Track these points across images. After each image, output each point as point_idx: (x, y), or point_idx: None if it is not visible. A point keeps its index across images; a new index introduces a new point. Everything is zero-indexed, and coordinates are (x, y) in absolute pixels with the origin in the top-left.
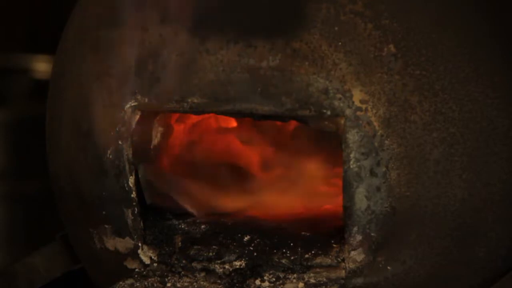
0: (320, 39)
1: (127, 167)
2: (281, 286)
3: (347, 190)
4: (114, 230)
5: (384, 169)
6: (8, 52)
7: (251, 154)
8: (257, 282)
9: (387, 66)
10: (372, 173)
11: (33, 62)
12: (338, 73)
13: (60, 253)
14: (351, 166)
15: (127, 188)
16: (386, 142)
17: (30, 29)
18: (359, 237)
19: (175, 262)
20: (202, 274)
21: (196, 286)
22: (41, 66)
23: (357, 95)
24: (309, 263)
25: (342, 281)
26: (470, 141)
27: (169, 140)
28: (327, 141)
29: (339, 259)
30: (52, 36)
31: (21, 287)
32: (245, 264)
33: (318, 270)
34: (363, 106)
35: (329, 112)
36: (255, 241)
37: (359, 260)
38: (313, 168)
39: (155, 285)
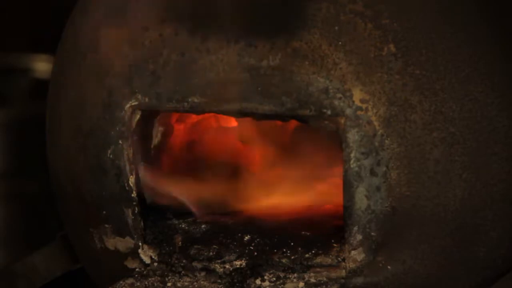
0: (320, 39)
1: (127, 166)
2: (282, 285)
3: (347, 190)
4: (114, 229)
5: (384, 168)
6: (8, 52)
7: (252, 154)
8: (258, 281)
9: (387, 65)
10: (372, 172)
11: (33, 62)
12: (338, 73)
13: (60, 253)
14: (351, 166)
15: (127, 188)
16: (386, 141)
17: (31, 28)
18: (359, 237)
19: (176, 261)
20: (203, 273)
21: (196, 285)
22: (41, 66)
23: (357, 95)
24: (309, 263)
25: (343, 281)
26: (470, 141)
27: (169, 140)
28: (327, 140)
29: (339, 258)
30: (52, 36)
31: (21, 287)
32: (246, 263)
33: (318, 269)
34: (364, 106)
35: (329, 112)
36: (255, 241)
37: (359, 260)
38: (313, 167)
39: (155, 284)
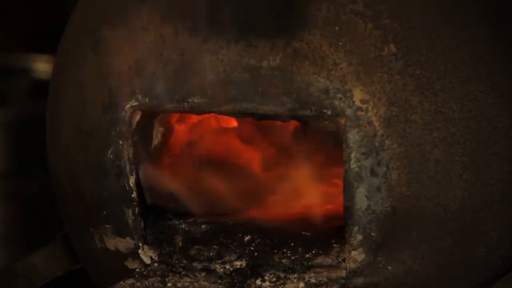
0: (320, 39)
1: (127, 167)
2: (282, 286)
3: (348, 190)
4: (115, 230)
5: (384, 169)
6: (8, 52)
7: (252, 154)
8: (258, 282)
9: (387, 66)
10: (373, 173)
11: (33, 62)
12: (339, 73)
13: (60, 253)
14: (352, 166)
15: (127, 188)
16: (387, 142)
17: (31, 29)
18: (359, 237)
19: (176, 262)
20: (203, 274)
21: (196, 286)
22: (41, 66)
23: (358, 95)
24: (309, 263)
25: (343, 281)
26: (470, 141)
27: (169, 140)
28: (327, 140)
29: (339, 259)
30: (52, 36)
31: (21, 287)
32: (246, 264)
33: (318, 270)
34: (364, 106)
35: (329, 112)
36: (256, 241)
37: (359, 260)
38: (314, 167)
39: (155, 285)
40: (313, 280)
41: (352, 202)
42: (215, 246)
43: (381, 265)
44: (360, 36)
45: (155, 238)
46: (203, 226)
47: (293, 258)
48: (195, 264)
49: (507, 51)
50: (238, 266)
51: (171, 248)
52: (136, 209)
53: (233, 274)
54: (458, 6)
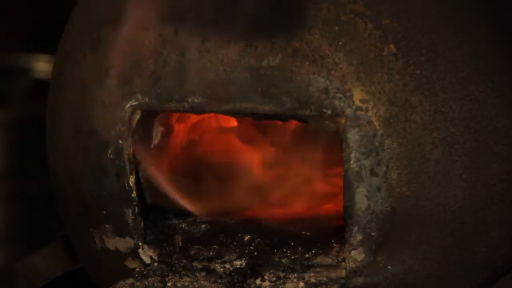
0: (320, 39)
1: (127, 166)
2: (282, 285)
3: (348, 190)
4: (115, 229)
5: (384, 168)
6: (8, 52)
7: (252, 154)
8: (258, 281)
9: (387, 65)
10: (373, 172)
11: (33, 62)
12: (339, 73)
13: (60, 253)
14: (352, 166)
15: (127, 188)
16: (387, 141)
17: (31, 29)
18: (359, 237)
19: (176, 261)
20: (203, 273)
21: (196, 285)
22: (41, 66)
23: (358, 95)
24: (309, 263)
25: (343, 281)
26: (470, 141)
27: (169, 140)
28: (327, 140)
29: (339, 258)
30: (52, 36)
31: (21, 287)
32: (246, 263)
33: (318, 269)
34: (364, 106)
35: (329, 112)
36: (256, 241)
37: (359, 260)
38: (314, 167)
39: (155, 284)
40: (313, 280)
41: (352, 202)
42: (215, 246)
43: (381, 265)
44: (360, 36)
45: (155, 238)
46: (203, 226)
47: (293, 258)
48: (195, 263)
49: (507, 51)
50: (238, 266)
51: (171, 248)
52: (136, 209)
53: (233, 273)
54: (458, 6)
